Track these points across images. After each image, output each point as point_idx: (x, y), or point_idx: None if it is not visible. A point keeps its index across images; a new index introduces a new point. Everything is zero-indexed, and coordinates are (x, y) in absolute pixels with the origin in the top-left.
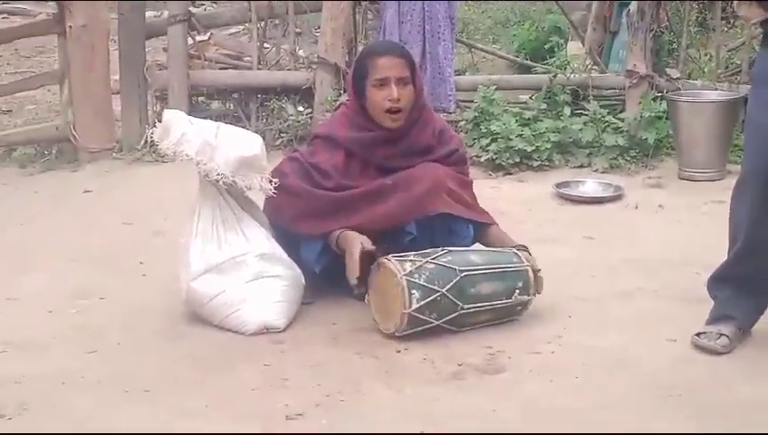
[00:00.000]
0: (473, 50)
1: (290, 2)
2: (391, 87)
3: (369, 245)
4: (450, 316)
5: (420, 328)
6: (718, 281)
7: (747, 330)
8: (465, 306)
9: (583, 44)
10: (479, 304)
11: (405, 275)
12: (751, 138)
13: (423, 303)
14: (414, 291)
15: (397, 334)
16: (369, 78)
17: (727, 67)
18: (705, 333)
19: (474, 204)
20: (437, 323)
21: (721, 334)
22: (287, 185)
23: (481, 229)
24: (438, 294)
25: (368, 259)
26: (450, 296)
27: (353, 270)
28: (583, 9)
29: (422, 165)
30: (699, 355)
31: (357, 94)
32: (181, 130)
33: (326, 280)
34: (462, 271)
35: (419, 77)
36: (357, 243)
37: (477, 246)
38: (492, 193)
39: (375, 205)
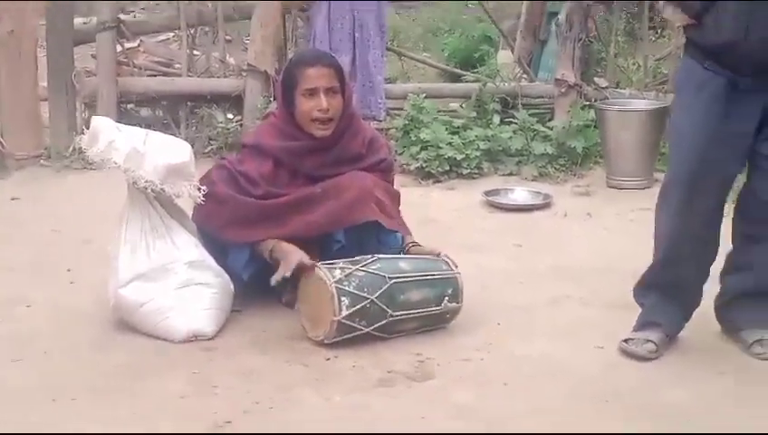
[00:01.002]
0: (403, 58)
1: (219, 6)
2: (320, 97)
3: (308, 260)
4: (379, 323)
5: (350, 335)
6: (644, 288)
7: (674, 336)
8: (395, 313)
9: (513, 53)
10: (408, 312)
11: (334, 282)
12: (673, 145)
13: (352, 310)
14: (343, 298)
15: (326, 341)
16: (299, 87)
17: (655, 76)
18: (632, 339)
19: (396, 216)
20: (367, 330)
21: (648, 340)
22: (215, 192)
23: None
24: (368, 301)
25: (300, 271)
26: (379, 304)
27: (284, 270)
28: (513, 18)
29: (351, 173)
30: (627, 361)
31: (286, 103)
32: (109, 137)
33: (255, 287)
34: (391, 278)
35: (348, 86)
36: (296, 255)
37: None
38: (421, 201)
39: (303, 213)
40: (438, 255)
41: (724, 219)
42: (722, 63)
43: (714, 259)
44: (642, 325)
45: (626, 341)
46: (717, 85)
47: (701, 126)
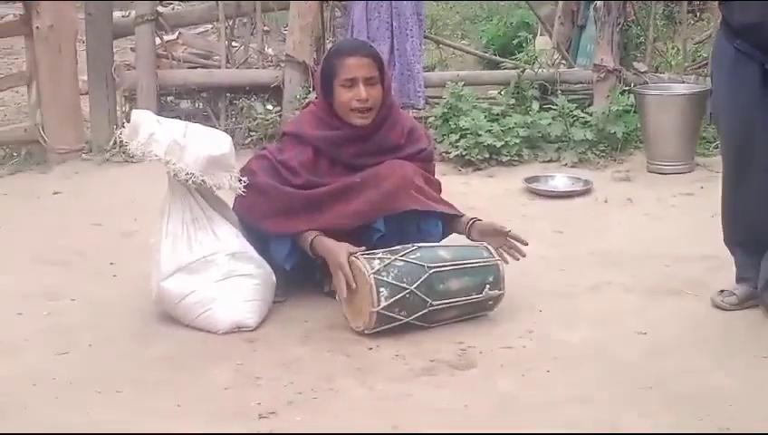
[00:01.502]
0: (441, 46)
1: (257, 0)
2: (359, 87)
3: (354, 249)
4: (420, 313)
5: (389, 325)
6: (729, 244)
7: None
8: (435, 303)
9: (551, 39)
10: (449, 301)
11: (373, 272)
12: (717, 120)
13: (391, 300)
14: (382, 289)
15: (366, 332)
16: (338, 78)
17: (694, 60)
18: (725, 290)
19: (439, 201)
20: (407, 320)
21: (733, 293)
22: (256, 183)
23: (452, 223)
24: (407, 291)
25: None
26: (419, 293)
27: (343, 286)
28: (552, 4)
29: (390, 162)
30: (668, 347)
31: (325, 93)
32: (149, 130)
33: (297, 277)
34: (431, 268)
35: (388, 76)
36: (341, 252)
37: (448, 240)
38: (462, 189)
39: (343, 203)
40: (508, 231)
41: None
42: (751, 43)
43: None
44: (737, 279)
45: (720, 292)
46: (748, 66)
47: (738, 105)
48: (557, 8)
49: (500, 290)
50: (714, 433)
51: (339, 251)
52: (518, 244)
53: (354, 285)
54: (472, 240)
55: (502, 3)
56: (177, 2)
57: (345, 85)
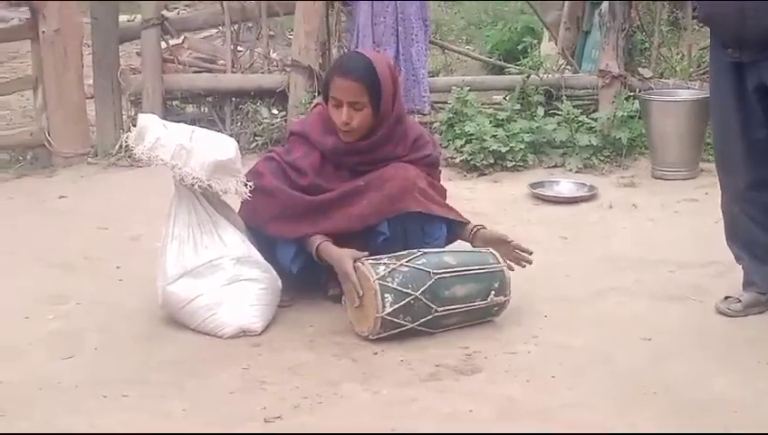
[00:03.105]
0: (446, 51)
1: (263, 3)
2: (343, 109)
3: (359, 254)
4: (424, 319)
5: (395, 331)
6: (733, 249)
7: None
8: (440, 309)
9: (557, 44)
10: (454, 307)
11: (378, 278)
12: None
13: (396, 306)
14: (387, 295)
15: (371, 337)
16: (329, 93)
17: (699, 66)
18: (730, 297)
19: (443, 205)
20: (412, 325)
21: (738, 300)
22: (263, 185)
23: (456, 230)
24: (412, 297)
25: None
26: (424, 299)
27: (353, 294)
28: (558, 9)
29: (394, 165)
30: (673, 353)
31: (325, 100)
32: (155, 134)
33: (302, 281)
34: (436, 274)
35: (387, 101)
36: (347, 260)
37: (453, 246)
38: (467, 194)
39: (348, 206)
40: (511, 240)
41: None
42: (716, 38)
43: None
44: (743, 284)
45: (725, 298)
46: (723, 63)
47: (717, 105)
48: (562, 14)
49: (505, 296)
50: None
51: (345, 259)
52: (522, 253)
53: (362, 293)
54: (475, 247)
55: (506, 8)
56: (183, 3)
57: (333, 104)
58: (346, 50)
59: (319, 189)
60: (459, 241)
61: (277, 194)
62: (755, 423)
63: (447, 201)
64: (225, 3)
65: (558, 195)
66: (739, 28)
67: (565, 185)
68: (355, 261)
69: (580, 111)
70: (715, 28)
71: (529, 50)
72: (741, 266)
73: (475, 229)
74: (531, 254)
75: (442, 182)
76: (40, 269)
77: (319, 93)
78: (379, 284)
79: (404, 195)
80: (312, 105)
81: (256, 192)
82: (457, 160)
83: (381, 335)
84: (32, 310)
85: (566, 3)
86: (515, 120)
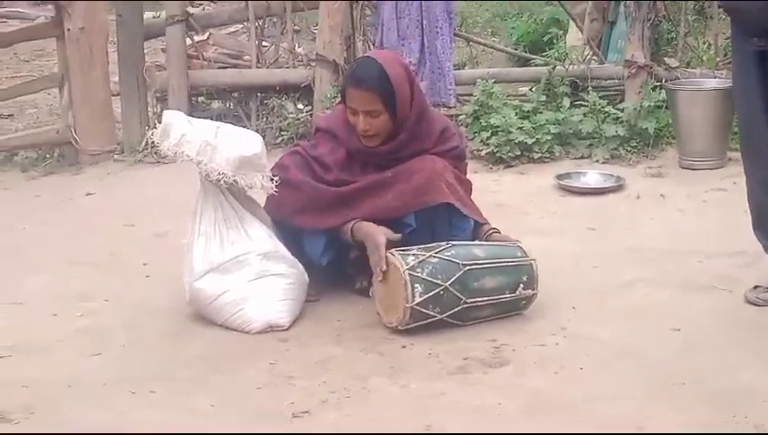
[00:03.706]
0: (471, 43)
1: (287, 0)
2: (359, 117)
3: (392, 235)
4: (453, 310)
5: (423, 322)
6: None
7: None
8: (469, 301)
9: (582, 35)
10: (483, 299)
11: (408, 269)
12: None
13: (426, 297)
14: (417, 285)
15: (400, 328)
16: (346, 102)
17: (726, 55)
18: (760, 286)
19: (468, 201)
20: (441, 317)
21: (767, 290)
22: (288, 178)
23: (476, 229)
24: (441, 288)
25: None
26: (453, 291)
27: (379, 261)
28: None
29: (422, 157)
30: (702, 344)
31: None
32: (181, 130)
33: (330, 275)
34: (465, 265)
35: (404, 106)
36: (380, 234)
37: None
38: (493, 186)
39: (375, 197)
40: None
41: None
42: (738, 26)
43: None
44: None
45: (754, 288)
46: (745, 50)
47: (741, 92)
48: (588, 5)
49: (533, 290)
50: (749, 433)
51: (377, 233)
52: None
53: (386, 268)
54: None
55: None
56: (207, 2)
57: (350, 112)
58: (371, 44)
59: (344, 184)
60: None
61: (302, 187)
62: None
63: (472, 196)
64: None
65: (585, 186)
66: (763, 17)
67: (592, 176)
68: (388, 242)
69: (606, 101)
70: (739, 17)
71: (555, 41)
72: None
73: (489, 232)
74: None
75: (468, 175)
76: (67, 266)
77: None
78: (409, 274)
79: (431, 187)
80: (338, 101)
81: (282, 186)
82: (483, 153)
83: (410, 326)
84: (59, 307)
85: None
86: (541, 112)
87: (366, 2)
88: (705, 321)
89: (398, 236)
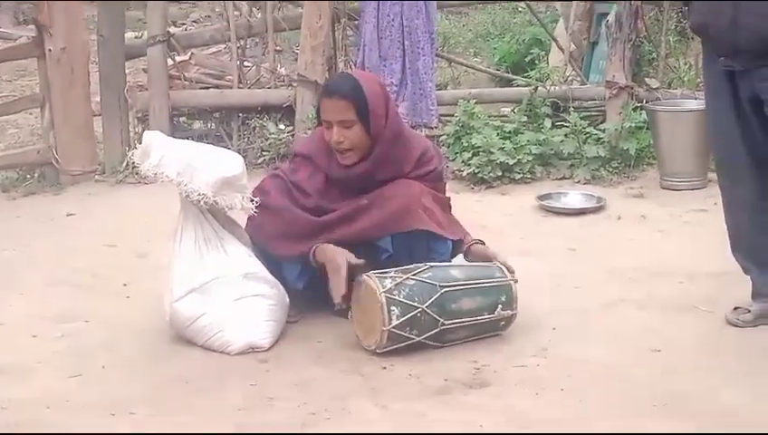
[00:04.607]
0: (453, 64)
1: (269, 19)
2: (333, 130)
3: (354, 259)
4: (431, 332)
5: (401, 344)
6: (740, 260)
7: None
8: (447, 322)
9: (564, 56)
10: (461, 320)
11: (384, 291)
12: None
13: (403, 319)
14: (393, 308)
15: (378, 351)
16: (321, 117)
17: None
18: (740, 308)
19: (446, 222)
20: (418, 339)
21: (748, 311)
22: (269, 203)
23: (458, 246)
24: (418, 310)
25: (351, 274)
26: (431, 313)
27: (339, 287)
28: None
29: (397, 182)
30: (684, 365)
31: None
32: (161, 151)
33: (309, 297)
34: (443, 287)
35: (377, 120)
36: (340, 256)
37: (459, 260)
38: (475, 206)
39: (351, 224)
40: (494, 261)
41: None
42: (708, 46)
43: None
44: (752, 295)
45: (735, 309)
46: (716, 71)
47: (713, 114)
48: (570, 25)
49: (512, 310)
50: None
51: (337, 255)
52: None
53: (344, 291)
54: (468, 261)
55: (514, 20)
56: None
57: (325, 126)
58: (353, 64)
59: (323, 211)
60: (460, 255)
61: (282, 213)
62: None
63: (453, 212)
64: (231, 18)
65: (566, 206)
66: (732, 37)
67: (573, 196)
68: (355, 267)
69: (587, 122)
70: (707, 37)
71: (537, 62)
72: (749, 278)
73: (469, 244)
74: (513, 273)
75: (450, 195)
76: (47, 287)
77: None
78: (386, 296)
79: (406, 213)
80: (317, 123)
81: (262, 209)
82: (465, 173)
83: (388, 349)
84: (39, 328)
85: (572, 15)
86: (523, 133)
87: (348, 22)
88: (687, 342)
89: (361, 261)
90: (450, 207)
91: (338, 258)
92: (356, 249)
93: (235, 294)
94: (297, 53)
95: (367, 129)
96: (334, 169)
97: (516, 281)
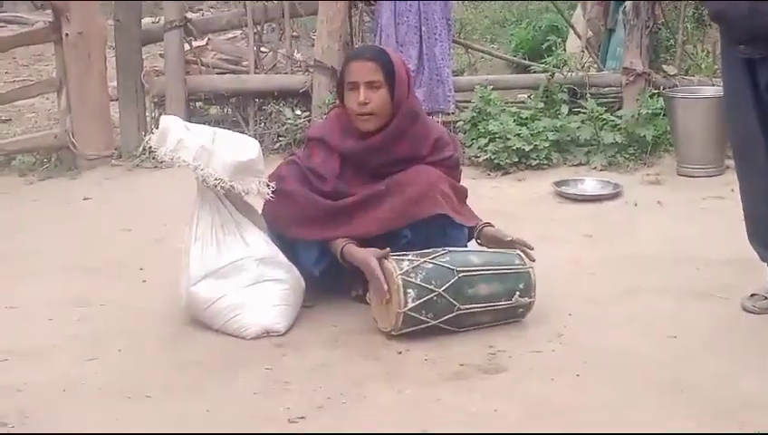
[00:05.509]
0: (470, 50)
1: (286, 4)
2: (359, 90)
3: (380, 252)
4: (447, 316)
5: (417, 327)
6: (755, 247)
7: None
8: (463, 307)
9: (581, 42)
10: (477, 305)
11: (401, 273)
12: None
13: (418, 302)
14: (409, 290)
15: (393, 333)
16: (345, 82)
17: None
18: (756, 295)
19: (463, 209)
20: (434, 322)
21: (765, 297)
22: (285, 189)
23: (472, 233)
24: (435, 294)
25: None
26: (447, 296)
27: (381, 291)
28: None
29: (415, 168)
30: (700, 351)
31: (341, 98)
32: (178, 136)
33: (325, 282)
34: (459, 271)
35: (401, 86)
36: (373, 262)
37: (472, 246)
38: (491, 193)
39: (369, 211)
40: (510, 240)
41: None
42: (726, 34)
43: None
44: None
45: (751, 296)
46: (734, 58)
47: (731, 101)
48: (586, 12)
49: (530, 298)
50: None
51: (370, 259)
52: (526, 249)
53: (389, 292)
54: (479, 245)
55: (531, 6)
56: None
57: (349, 89)
58: None
59: (341, 195)
60: (473, 241)
61: (298, 198)
62: None
63: (468, 201)
64: (248, 4)
65: (582, 193)
66: (750, 24)
67: (590, 183)
68: (380, 259)
69: (604, 108)
70: (725, 24)
71: (553, 48)
72: (766, 265)
73: (481, 226)
74: (532, 250)
75: (465, 181)
76: (64, 271)
77: None
78: (402, 279)
79: (425, 199)
80: (331, 107)
81: (278, 195)
82: (481, 159)
83: (404, 331)
84: (55, 312)
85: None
86: (539, 119)
87: (365, 7)
88: (703, 328)
89: (387, 250)
90: (466, 196)
91: (370, 262)
92: (376, 237)
93: (252, 278)
94: (314, 39)
95: (391, 94)
96: (348, 145)
97: (533, 267)
